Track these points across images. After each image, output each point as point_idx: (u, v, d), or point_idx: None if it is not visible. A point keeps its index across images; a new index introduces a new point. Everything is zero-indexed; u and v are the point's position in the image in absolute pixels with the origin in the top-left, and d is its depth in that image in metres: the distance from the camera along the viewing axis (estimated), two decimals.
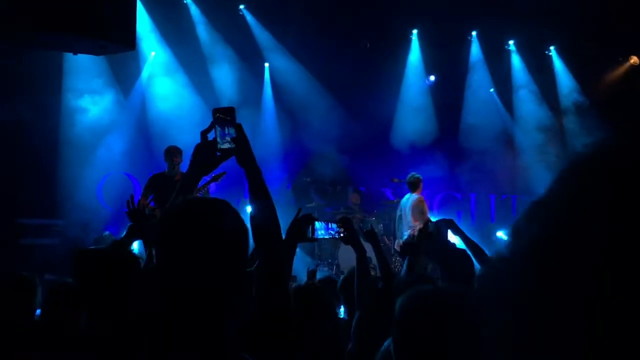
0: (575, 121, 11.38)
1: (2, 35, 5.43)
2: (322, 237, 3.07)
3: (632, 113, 10.85)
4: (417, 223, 8.35)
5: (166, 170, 7.76)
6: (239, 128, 1.86)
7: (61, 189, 8.87)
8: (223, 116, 1.87)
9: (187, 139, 8.70)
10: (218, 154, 1.88)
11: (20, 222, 8.63)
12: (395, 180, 10.29)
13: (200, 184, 7.74)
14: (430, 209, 11.43)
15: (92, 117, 9.07)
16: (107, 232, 8.22)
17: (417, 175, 9.10)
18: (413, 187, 9.03)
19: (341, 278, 3.90)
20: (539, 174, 11.44)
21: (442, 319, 1.33)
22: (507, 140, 11.77)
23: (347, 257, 9.18)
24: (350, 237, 3.17)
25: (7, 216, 8.38)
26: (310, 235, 2.84)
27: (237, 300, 1.33)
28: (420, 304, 1.39)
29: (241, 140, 1.86)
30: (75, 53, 5.83)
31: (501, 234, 10.07)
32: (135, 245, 7.97)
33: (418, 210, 8.75)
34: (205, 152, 1.87)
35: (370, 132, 10.77)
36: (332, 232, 3.13)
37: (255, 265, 1.79)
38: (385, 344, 1.96)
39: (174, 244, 1.34)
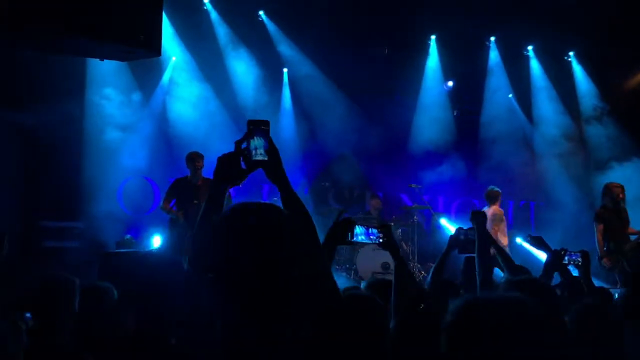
0: (596, 127, 11.32)
1: (28, 42, 5.49)
2: (361, 241, 3.06)
3: None
4: (497, 233, 8.63)
5: (189, 175, 7.82)
6: (271, 141, 1.85)
7: (82, 193, 8.96)
8: (258, 127, 1.85)
9: (207, 143, 8.79)
10: (242, 165, 1.85)
11: (42, 225, 8.72)
12: (413, 186, 10.29)
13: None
14: (448, 214, 11.43)
15: (113, 121, 9.15)
16: (128, 236, 8.29)
17: (495, 189, 9.30)
18: (491, 200, 9.29)
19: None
20: (558, 180, 11.40)
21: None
22: (526, 146, 11.72)
23: (365, 262, 9.18)
24: (389, 244, 3.17)
25: (30, 219, 8.48)
26: (350, 238, 2.85)
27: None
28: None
29: (273, 153, 1.85)
30: (101, 59, 5.87)
31: (520, 240, 10.01)
32: (158, 241, 8.08)
33: (498, 219, 9.09)
34: (230, 164, 1.84)
35: (388, 137, 10.78)
36: (372, 237, 3.11)
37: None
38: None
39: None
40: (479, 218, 3.73)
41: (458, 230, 4.05)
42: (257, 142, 1.83)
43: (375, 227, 3.26)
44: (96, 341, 3.05)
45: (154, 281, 2.52)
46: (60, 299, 3.15)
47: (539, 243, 4.21)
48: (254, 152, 1.83)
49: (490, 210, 9.04)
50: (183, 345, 2.23)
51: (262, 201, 1.57)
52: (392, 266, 3.92)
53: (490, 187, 9.37)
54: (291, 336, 1.38)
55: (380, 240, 3.16)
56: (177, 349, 2.23)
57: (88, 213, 8.83)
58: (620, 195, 7.78)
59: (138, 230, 8.99)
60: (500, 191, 9.29)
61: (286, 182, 1.84)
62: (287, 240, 1.47)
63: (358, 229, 3.02)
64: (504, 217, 9.38)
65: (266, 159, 1.83)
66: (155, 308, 2.42)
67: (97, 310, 3.47)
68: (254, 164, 1.83)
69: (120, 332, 2.94)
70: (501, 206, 12.12)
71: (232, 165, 1.83)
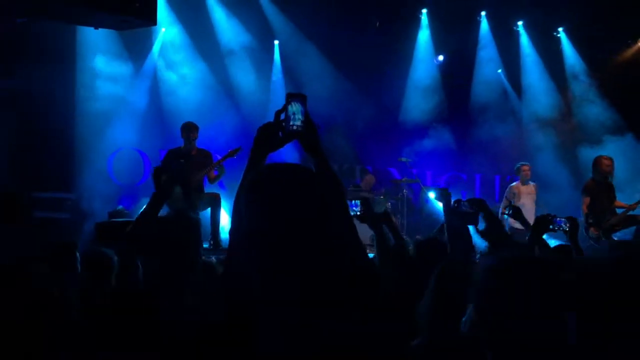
0: (584, 102, 11.45)
1: (23, 8, 5.45)
2: None
3: (636, 94, 10.94)
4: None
5: (182, 145, 7.83)
6: (307, 114, 1.94)
7: (73, 163, 8.92)
8: (295, 100, 1.95)
9: (198, 115, 8.78)
10: (280, 134, 1.94)
11: (34, 196, 8.68)
12: (403, 159, 10.37)
13: (216, 159, 7.85)
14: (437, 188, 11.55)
15: (103, 92, 9.08)
16: (120, 206, 8.30)
17: (519, 165, 9.49)
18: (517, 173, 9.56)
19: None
20: (544, 155, 11.55)
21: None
22: (515, 121, 11.84)
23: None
24: (367, 215, 3.28)
25: (21, 189, 8.42)
26: None
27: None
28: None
29: (310, 125, 1.94)
30: (96, 27, 5.86)
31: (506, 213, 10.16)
32: None
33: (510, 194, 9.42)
34: (272, 132, 1.93)
35: (378, 110, 10.82)
36: (354, 208, 3.24)
37: None
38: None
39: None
40: (444, 196, 3.83)
41: (456, 201, 4.14)
42: (293, 113, 1.92)
43: (358, 199, 3.37)
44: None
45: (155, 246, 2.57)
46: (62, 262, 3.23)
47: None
48: (291, 122, 1.92)
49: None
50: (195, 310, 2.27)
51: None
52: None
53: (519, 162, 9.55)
54: (328, 299, 1.40)
55: (358, 213, 3.28)
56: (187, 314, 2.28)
57: (79, 184, 8.81)
58: (609, 169, 7.93)
59: (130, 201, 8.99)
60: (523, 166, 9.42)
61: (321, 153, 1.92)
62: (319, 200, 1.51)
63: None
64: (517, 192, 9.36)
65: (302, 129, 1.92)
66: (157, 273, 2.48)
67: (100, 275, 3.56)
68: (290, 134, 1.92)
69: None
70: (487, 180, 12.34)
71: (271, 133, 1.92)
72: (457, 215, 3.94)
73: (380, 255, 3.30)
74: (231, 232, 1.74)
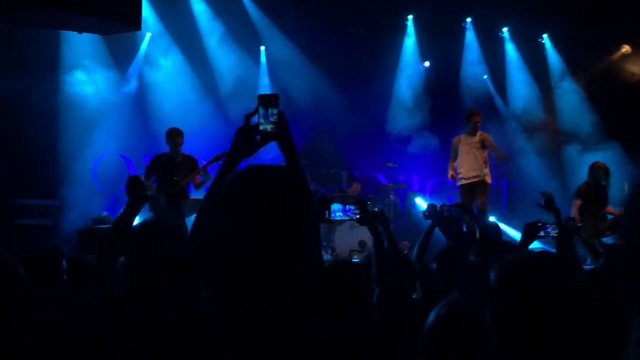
0: (568, 108, 11.53)
1: (6, 14, 5.38)
2: (339, 218, 3.13)
3: (620, 101, 11.04)
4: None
5: (168, 151, 7.78)
6: (281, 114, 1.94)
7: (57, 170, 8.83)
8: (267, 101, 1.94)
9: (183, 120, 8.72)
10: (258, 138, 1.94)
11: (14, 203, 8.59)
12: (390, 165, 10.39)
13: (201, 165, 7.79)
14: (423, 194, 11.58)
15: (88, 97, 9.01)
16: (105, 213, 8.22)
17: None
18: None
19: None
20: (529, 160, 11.61)
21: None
22: (500, 126, 11.89)
23: (343, 240, 9.25)
24: (367, 218, 3.25)
25: (3, 196, 8.34)
26: (328, 216, 2.91)
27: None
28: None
29: (283, 125, 1.94)
30: (80, 32, 5.80)
31: (492, 219, 10.19)
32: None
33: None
34: (247, 136, 1.93)
35: (364, 116, 10.81)
36: (349, 213, 3.20)
37: None
38: (432, 316, 2.03)
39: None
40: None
41: (441, 207, 4.14)
42: (266, 115, 1.92)
43: (352, 204, 3.34)
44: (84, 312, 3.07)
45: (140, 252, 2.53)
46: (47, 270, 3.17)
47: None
48: (263, 124, 1.92)
49: None
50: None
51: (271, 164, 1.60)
52: (370, 243, 4.02)
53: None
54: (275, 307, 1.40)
55: (358, 216, 3.25)
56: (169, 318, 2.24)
57: (64, 191, 8.72)
58: (602, 175, 8.10)
59: (114, 207, 8.91)
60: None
61: (293, 153, 1.93)
62: (293, 203, 1.49)
63: (335, 206, 3.10)
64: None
65: (275, 130, 1.91)
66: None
67: (83, 282, 3.51)
68: (263, 137, 1.92)
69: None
70: None
71: (246, 137, 1.92)
72: (443, 222, 3.96)
73: (379, 263, 3.25)
74: (196, 230, 1.71)
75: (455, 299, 2.05)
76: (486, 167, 8.88)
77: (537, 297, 1.36)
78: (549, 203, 4.23)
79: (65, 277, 3.25)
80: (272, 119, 1.92)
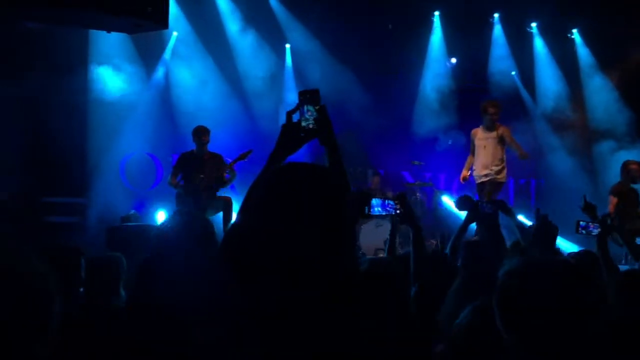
0: (599, 104, 11.31)
1: (36, 14, 5.44)
2: (378, 213, 3.08)
3: None
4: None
5: (194, 149, 7.81)
6: (322, 109, 1.92)
7: (85, 168, 8.92)
8: (308, 97, 1.93)
9: (210, 118, 8.75)
10: (302, 134, 1.93)
11: (44, 200, 8.69)
12: (416, 162, 10.29)
13: (228, 162, 7.81)
14: (449, 192, 11.46)
15: (116, 95, 9.07)
16: (133, 211, 8.28)
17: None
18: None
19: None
20: (559, 157, 11.41)
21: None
22: (528, 124, 11.71)
23: (368, 239, 9.21)
24: (407, 213, 3.18)
25: (33, 194, 8.44)
26: (367, 212, 2.86)
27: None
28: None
29: (324, 121, 1.92)
30: (108, 31, 5.84)
31: (521, 218, 10.06)
32: (163, 216, 8.07)
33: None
34: (291, 133, 1.93)
35: (391, 113, 10.74)
36: (389, 208, 3.13)
37: None
38: (462, 316, 1.99)
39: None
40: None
41: (479, 202, 4.08)
42: (307, 111, 1.90)
43: (391, 199, 3.27)
44: (104, 310, 3.08)
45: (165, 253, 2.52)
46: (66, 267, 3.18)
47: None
48: (304, 121, 1.91)
49: None
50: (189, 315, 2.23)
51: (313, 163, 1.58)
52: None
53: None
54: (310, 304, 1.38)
55: (398, 211, 3.18)
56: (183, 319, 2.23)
57: (92, 189, 8.80)
58: (637, 174, 7.87)
59: (142, 206, 8.98)
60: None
61: (334, 150, 1.92)
62: (329, 203, 1.47)
63: (374, 201, 3.04)
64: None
65: (315, 127, 1.90)
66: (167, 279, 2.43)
67: (107, 279, 3.52)
68: (305, 133, 1.91)
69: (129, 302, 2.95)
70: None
71: (288, 134, 1.92)
72: (479, 218, 3.89)
73: (418, 258, 3.17)
74: (233, 226, 1.69)
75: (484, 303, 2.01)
76: (501, 165, 8.29)
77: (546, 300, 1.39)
78: (589, 209, 4.11)
79: (83, 276, 3.25)
80: (313, 115, 1.91)
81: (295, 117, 1.95)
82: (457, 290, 3.03)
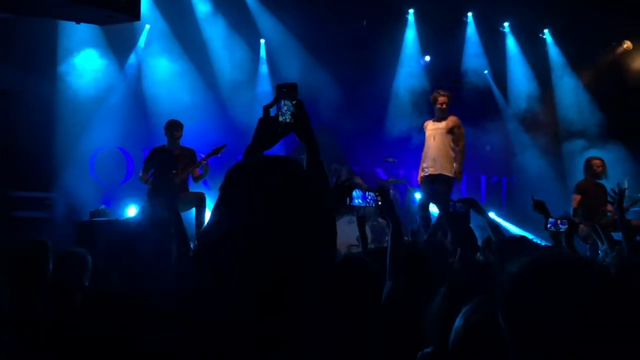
0: (569, 104, 11.48)
1: (3, 3, 5.31)
2: (358, 205, 3.05)
3: (622, 97, 10.99)
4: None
5: (166, 144, 7.69)
6: (299, 104, 1.90)
7: (54, 162, 8.75)
8: (285, 92, 1.90)
9: (182, 113, 8.64)
10: (279, 129, 1.90)
11: (12, 195, 8.51)
12: (389, 159, 10.32)
13: (200, 157, 7.73)
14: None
15: (86, 88, 8.92)
16: (102, 206, 8.14)
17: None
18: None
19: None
20: (530, 156, 11.57)
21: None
22: (500, 122, 11.85)
23: (341, 235, 9.18)
24: (387, 206, 3.16)
25: (0, 188, 8.26)
26: (349, 203, 2.85)
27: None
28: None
29: (302, 115, 1.90)
30: (78, 22, 5.70)
31: (492, 215, 10.16)
32: (134, 211, 7.94)
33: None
34: (268, 127, 1.90)
35: (364, 110, 10.75)
36: (369, 200, 3.10)
37: None
38: (458, 319, 1.94)
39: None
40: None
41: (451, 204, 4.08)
42: (284, 105, 1.88)
43: (372, 191, 3.23)
44: (72, 307, 3.03)
45: (133, 247, 2.49)
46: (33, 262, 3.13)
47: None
48: (281, 115, 1.88)
49: None
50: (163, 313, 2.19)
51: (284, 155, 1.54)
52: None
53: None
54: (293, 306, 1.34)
55: (378, 203, 3.14)
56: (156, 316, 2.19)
57: (60, 183, 8.64)
58: (599, 169, 7.93)
59: (112, 201, 8.84)
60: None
61: (313, 144, 1.90)
62: (307, 195, 1.43)
63: (355, 193, 3.02)
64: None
65: (292, 121, 1.88)
66: (134, 273, 2.39)
67: (74, 275, 3.49)
68: (282, 128, 1.88)
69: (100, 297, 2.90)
70: (473, 181, 12.30)
71: (265, 129, 1.89)
72: (452, 218, 3.89)
73: (394, 252, 3.13)
74: (208, 226, 1.66)
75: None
76: (448, 158, 7.84)
77: (550, 302, 1.26)
78: (538, 207, 4.18)
79: (51, 269, 3.21)
80: (291, 110, 1.88)
81: (273, 112, 1.92)
82: (444, 296, 3.02)
